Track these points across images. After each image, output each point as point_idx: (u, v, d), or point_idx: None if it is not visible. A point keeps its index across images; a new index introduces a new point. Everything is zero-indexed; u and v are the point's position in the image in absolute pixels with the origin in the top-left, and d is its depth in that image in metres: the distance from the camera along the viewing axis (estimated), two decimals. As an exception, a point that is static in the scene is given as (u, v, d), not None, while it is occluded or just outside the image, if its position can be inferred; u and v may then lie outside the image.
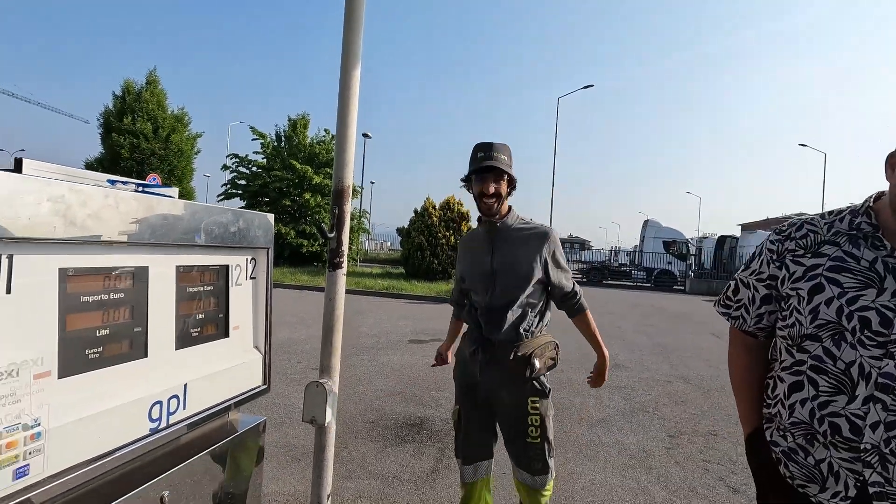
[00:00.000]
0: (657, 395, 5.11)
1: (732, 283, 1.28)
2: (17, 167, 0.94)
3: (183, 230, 1.13)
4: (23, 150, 58.62)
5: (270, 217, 1.50)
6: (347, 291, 13.77)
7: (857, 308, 1.00)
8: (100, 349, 0.98)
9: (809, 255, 1.09)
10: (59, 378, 0.89)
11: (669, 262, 25.22)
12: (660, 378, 5.87)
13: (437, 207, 17.36)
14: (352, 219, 21.16)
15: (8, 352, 0.79)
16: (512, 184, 1.93)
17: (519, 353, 1.85)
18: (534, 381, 1.87)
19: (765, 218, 55.66)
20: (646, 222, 27.54)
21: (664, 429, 4.10)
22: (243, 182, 20.13)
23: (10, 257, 0.79)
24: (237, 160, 20.35)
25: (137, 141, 20.64)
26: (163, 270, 1.13)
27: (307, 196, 18.74)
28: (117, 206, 0.97)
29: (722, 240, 27.10)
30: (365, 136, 28.02)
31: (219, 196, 21.03)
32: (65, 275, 0.90)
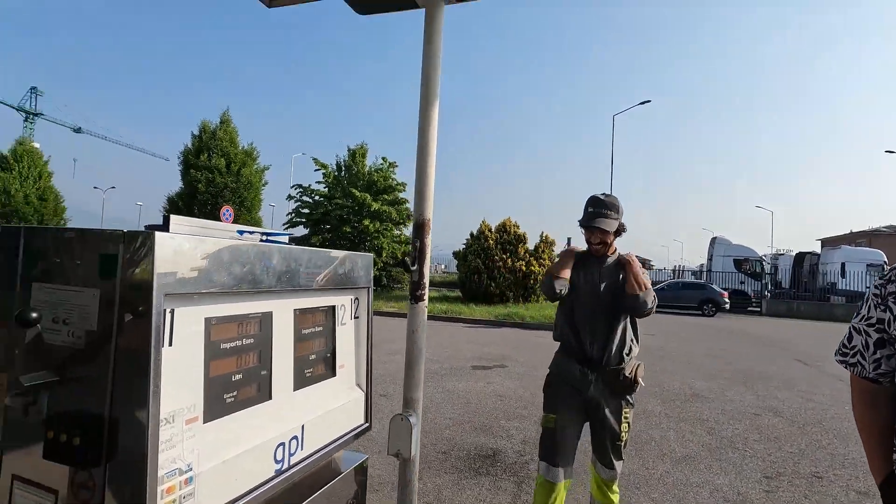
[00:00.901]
0: (745, 430, 4.73)
1: (847, 330, 1.28)
2: (165, 224, 1.02)
3: (301, 275, 1.19)
4: (113, 187, 64.76)
5: (371, 257, 1.55)
6: (404, 315, 13.79)
7: None
8: (234, 393, 1.03)
9: None
10: (204, 423, 0.94)
11: (742, 282, 23.66)
12: (746, 410, 5.44)
13: (493, 230, 17.33)
14: (409, 243, 21.70)
15: (168, 400, 0.85)
16: (619, 232, 2.29)
17: (626, 374, 2.17)
18: (629, 396, 2.23)
19: (848, 231, 51.21)
20: (714, 239, 26.10)
21: (759, 469, 3.77)
22: (306, 211, 21.12)
23: (173, 312, 0.86)
24: (301, 190, 21.44)
25: (212, 176, 22.29)
26: (284, 314, 1.18)
27: (366, 222, 19.33)
28: (251, 257, 1.03)
29: (801, 256, 25.19)
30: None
31: (284, 224, 22.15)
32: (209, 324, 0.97)
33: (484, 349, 8.85)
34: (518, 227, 17.33)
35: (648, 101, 24.41)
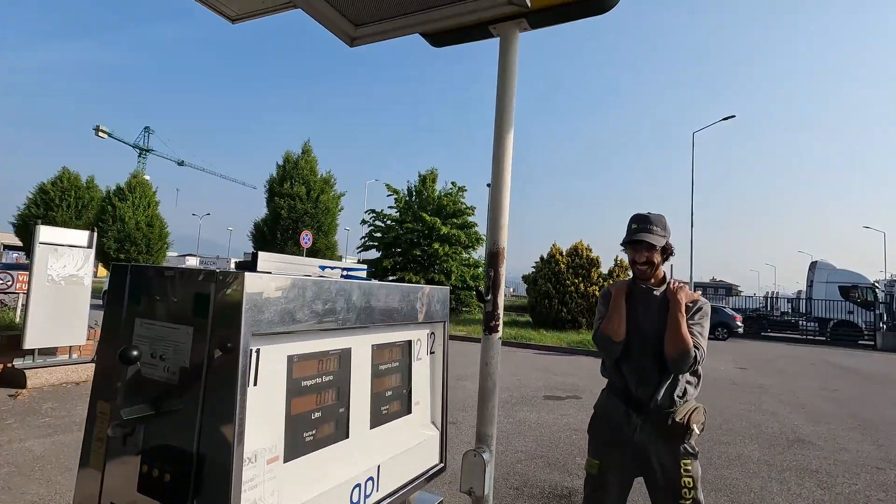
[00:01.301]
0: (866, 486, 4.10)
1: None
2: (254, 261, 1.05)
3: (380, 310, 1.18)
4: (208, 214, 71.16)
5: (447, 290, 1.52)
6: (472, 339, 13.66)
7: None
8: (314, 432, 1.03)
9: None
10: (284, 462, 0.94)
11: (850, 312, 21.08)
12: (865, 462, 4.74)
13: (564, 254, 16.88)
14: (478, 266, 21.69)
15: (252, 439, 0.85)
16: (666, 252, 2.07)
17: (677, 419, 1.91)
18: (685, 445, 1.92)
19: None
20: (814, 264, 23.62)
21: (888, 535, 3.23)
22: (379, 235, 21.86)
23: (258, 351, 0.87)
24: (374, 215, 22.27)
25: (294, 203, 23.81)
26: (362, 350, 1.17)
27: (436, 246, 19.62)
28: (332, 294, 1.03)
29: (923, 283, 22.06)
30: (489, 185, 28.82)
31: (358, 248, 23.05)
32: (291, 361, 0.97)
33: (555, 378, 8.51)
34: (591, 250, 16.75)
35: (733, 116, 22.92)
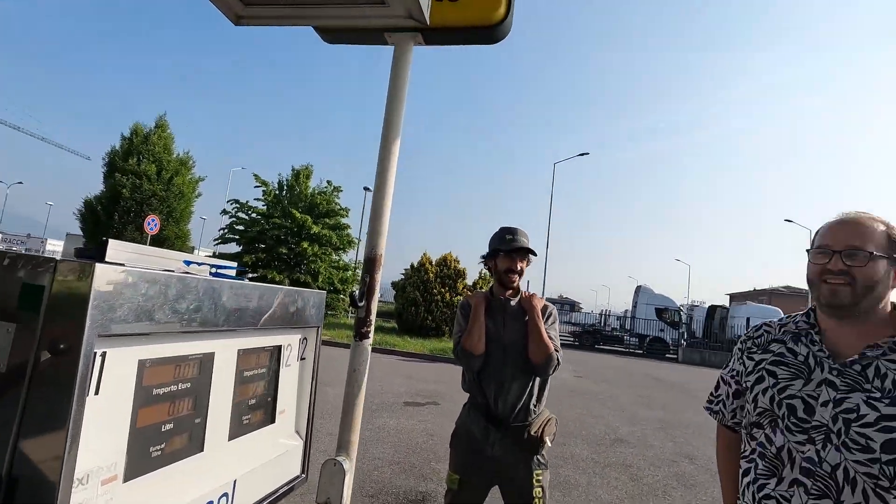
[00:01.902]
0: (665, 477, 4.91)
1: (717, 380, 1.39)
2: (101, 250, 0.91)
3: (251, 313, 1.10)
4: (20, 182, 58.71)
5: (324, 294, 1.47)
6: (336, 344, 13.30)
7: (785, 396, 1.10)
8: (162, 446, 0.92)
9: (760, 351, 1.23)
10: (124, 482, 0.82)
11: (661, 330, 25.16)
12: (665, 457, 5.68)
13: (433, 263, 17.39)
14: (347, 269, 21.23)
15: (85, 457, 0.73)
16: (529, 263, 2.20)
17: (532, 433, 1.99)
18: (538, 456, 2.01)
19: (752, 289, 56.45)
20: (639, 288, 27.72)
21: (678, 517, 3.91)
22: (241, 228, 20.17)
23: (104, 355, 0.75)
24: (237, 206, 20.49)
25: (140, 182, 20.80)
26: (226, 355, 1.08)
27: (305, 245, 18.73)
28: (199, 293, 0.94)
29: (713, 309, 27.26)
30: (366, 189, 28.51)
31: (215, 240, 20.95)
32: (143, 367, 0.86)
33: (417, 384, 8.69)
34: (458, 261, 17.53)
35: (587, 154, 26.00)
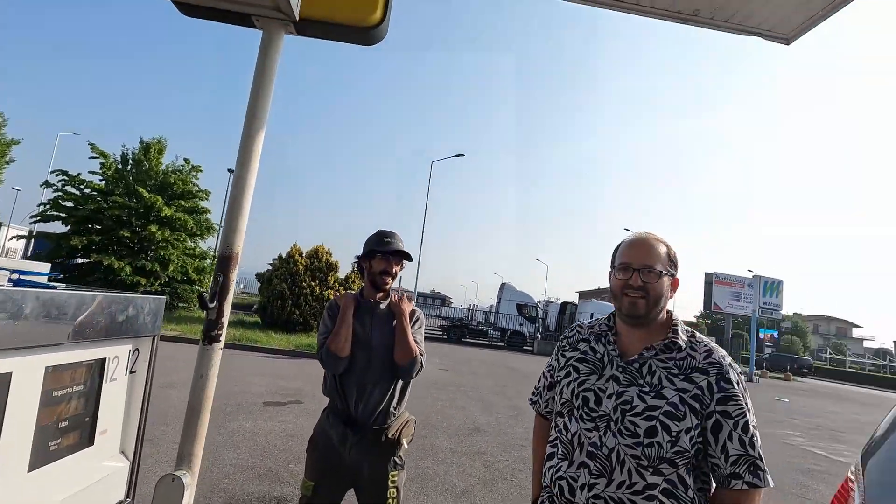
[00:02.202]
0: (513, 461, 5.38)
1: (540, 374, 1.56)
2: None
3: (65, 324, 0.97)
4: None
5: (163, 300, 1.34)
6: (187, 341, 12.08)
7: (582, 389, 1.28)
8: (-69, 487, 0.77)
9: (571, 350, 1.40)
10: None
11: (521, 324, 27.34)
12: (515, 442, 6.21)
13: (303, 255, 16.67)
14: (204, 258, 19.25)
15: None
16: (403, 266, 2.23)
17: (389, 435, 2.02)
18: (395, 458, 2.05)
19: (597, 287, 64.23)
20: (503, 285, 29.73)
21: (521, 498, 4.31)
22: (69, 204, 17.10)
23: None
24: (65, 178, 17.31)
25: (-79, 137, 16.49)
26: (29, 375, 0.94)
27: (153, 228, 16.55)
28: (-9, 305, 0.80)
29: (564, 305, 30.33)
30: (230, 171, 26.16)
31: (33, 217, 17.49)
32: None
33: (279, 382, 8.28)
34: (331, 254, 17.04)
35: (462, 155, 27.12)
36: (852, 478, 0.80)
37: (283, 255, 16.80)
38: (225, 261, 2.17)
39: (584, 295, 56.10)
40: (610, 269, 1.37)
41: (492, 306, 32.51)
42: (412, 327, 2.12)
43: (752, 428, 1.18)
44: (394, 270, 2.16)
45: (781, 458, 7.20)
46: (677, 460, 1.16)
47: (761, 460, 1.17)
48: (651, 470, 1.16)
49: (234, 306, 22.30)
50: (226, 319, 2.16)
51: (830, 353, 55.19)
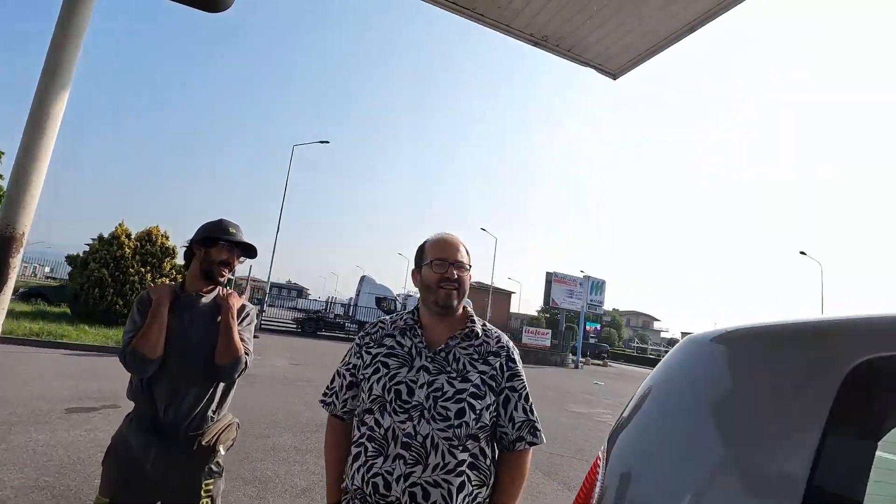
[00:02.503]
0: (360, 455, 5.38)
1: (333, 374, 1.50)
2: None
3: None
4: None
5: None
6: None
7: (394, 383, 1.30)
8: None
9: (376, 346, 1.40)
10: None
11: (380, 317, 27.41)
12: (363, 436, 6.21)
13: (132, 237, 14.46)
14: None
15: None
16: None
17: (204, 443, 1.84)
18: (210, 465, 1.87)
19: (454, 283, 67.37)
20: (363, 278, 29.53)
21: (364, 490, 4.33)
22: None
23: None
24: None
25: None
26: None
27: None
28: None
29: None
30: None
31: None
32: None
33: (90, 385, 7.09)
34: (168, 237, 15.07)
35: (327, 142, 26.18)
36: (601, 457, 0.96)
37: (105, 236, 14.39)
38: (6, 243, 1.80)
39: (441, 289, 58.28)
40: (420, 265, 1.44)
41: (351, 299, 32.06)
42: (241, 324, 1.97)
43: (530, 398, 1.42)
44: (234, 263, 2.01)
45: (595, 436, 8.38)
46: (480, 434, 1.30)
47: (538, 422, 1.40)
48: (461, 448, 1.26)
49: (34, 294, 18.46)
50: (5, 306, 1.80)
51: (637, 343, 65.97)
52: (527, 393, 1.41)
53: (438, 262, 1.38)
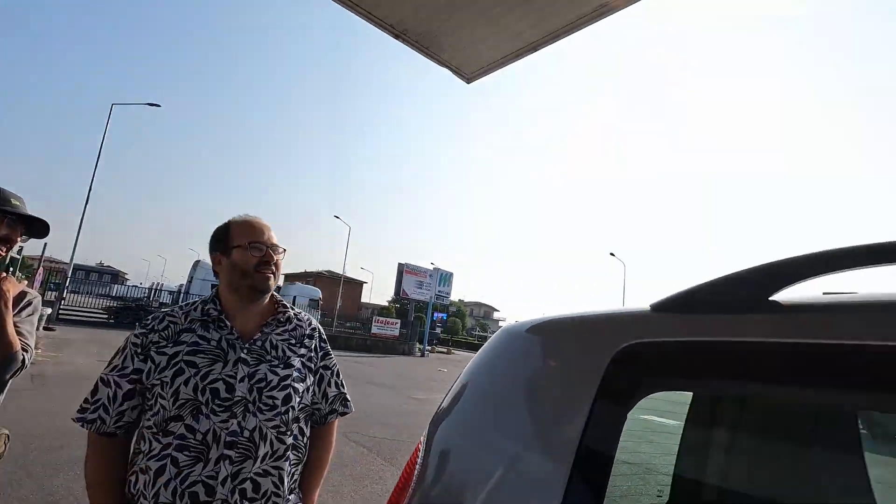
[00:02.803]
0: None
1: (94, 385, 1.27)
2: None
3: None
4: None
5: None
6: None
7: (208, 382, 1.19)
8: None
9: (171, 345, 1.23)
10: None
11: (215, 306, 24.93)
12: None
13: None
14: None
15: None
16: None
17: None
18: None
19: (303, 271, 64.63)
20: (197, 262, 26.54)
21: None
22: None
23: None
24: None
25: None
26: None
27: None
28: None
29: (267, 288, 29.28)
30: None
31: None
32: None
33: None
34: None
35: (157, 105, 22.78)
36: (423, 441, 1.03)
37: None
38: None
39: (289, 278, 55.56)
40: (227, 248, 1.33)
41: (181, 286, 28.56)
42: (20, 315, 1.69)
43: (340, 372, 1.50)
44: (13, 240, 1.70)
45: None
46: (300, 415, 1.32)
47: (348, 392, 1.50)
48: (288, 433, 1.26)
49: None
50: None
51: (479, 331, 71.20)
52: (338, 370, 1.48)
53: (256, 244, 1.32)
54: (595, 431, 0.76)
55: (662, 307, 0.80)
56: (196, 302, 1.35)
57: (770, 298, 0.70)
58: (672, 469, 1.38)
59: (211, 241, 1.38)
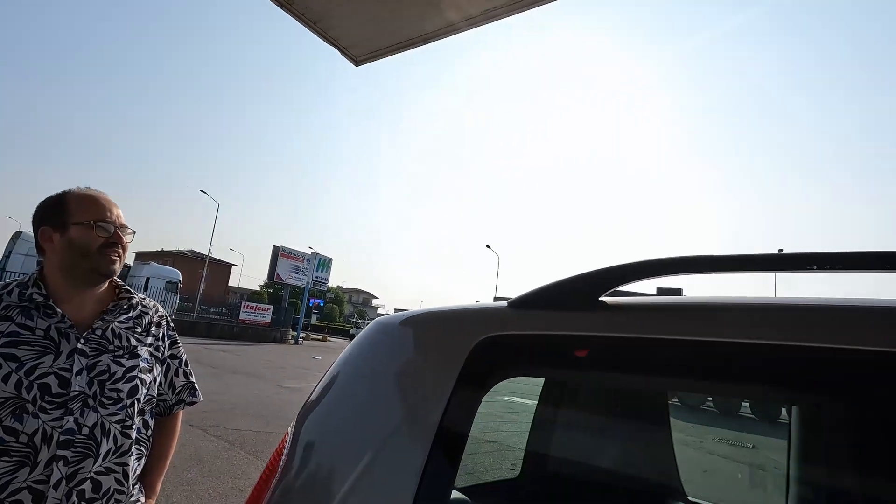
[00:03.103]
0: None
1: None
2: None
3: None
4: None
5: None
6: None
7: (36, 377, 1.05)
8: None
9: None
10: None
11: (42, 287, 21.15)
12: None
13: None
14: None
15: None
16: None
17: None
18: None
19: (160, 249, 57.69)
20: (18, 234, 22.19)
21: None
22: None
23: None
24: None
25: None
26: None
27: None
28: None
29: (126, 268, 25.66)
30: None
31: None
32: None
33: None
34: None
35: None
36: (289, 433, 1.04)
37: None
38: None
39: (141, 256, 49.16)
40: (64, 224, 1.16)
41: (-5, 261, 23.66)
42: None
43: (188, 361, 1.45)
44: None
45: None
46: (146, 408, 1.25)
47: (196, 382, 1.45)
48: (133, 427, 1.19)
49: None
50: None
51: (357, 318, 70.45)
52: (186, 359, 1.44)
53: (103, 223, 1.18)
54: (454, 413, 0.84)
55: (518, 304, 0.91)
56: (10, 284, 1.15)
57: (600, 298, 0.84)
58: (525, 445, 1.56)
59: (38, 212, 1.19)
